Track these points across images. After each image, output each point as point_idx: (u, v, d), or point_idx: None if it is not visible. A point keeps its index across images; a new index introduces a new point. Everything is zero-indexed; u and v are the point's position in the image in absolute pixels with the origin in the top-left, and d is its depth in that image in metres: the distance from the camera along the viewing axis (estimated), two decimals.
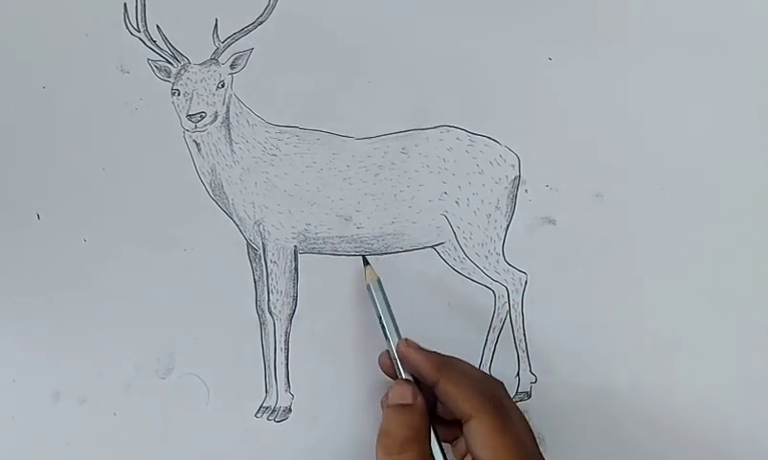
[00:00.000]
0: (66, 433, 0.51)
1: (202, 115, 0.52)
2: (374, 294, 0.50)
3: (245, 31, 0.53)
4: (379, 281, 0.50)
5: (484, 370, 0.54)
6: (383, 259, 0.54)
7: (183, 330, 0.52)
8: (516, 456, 0.44)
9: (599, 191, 0.55)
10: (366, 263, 0.52)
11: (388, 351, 0.49)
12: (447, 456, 0.46)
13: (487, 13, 0.55)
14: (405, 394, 0.46)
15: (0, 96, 0.52)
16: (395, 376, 0.49)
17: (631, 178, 0.56)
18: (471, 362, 0.54)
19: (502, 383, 0.48)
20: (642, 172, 0.56)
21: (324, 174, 0.54)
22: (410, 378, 0.48)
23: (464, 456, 0.47)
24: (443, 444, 0.47)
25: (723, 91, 0.56)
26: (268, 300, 0.53)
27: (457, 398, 0.45)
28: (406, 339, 0.48)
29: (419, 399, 0.46)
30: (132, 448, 0.52)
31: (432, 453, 0.46)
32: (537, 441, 0.47)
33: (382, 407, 0.47)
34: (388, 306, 0.50)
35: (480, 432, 0.44)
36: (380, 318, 0.49)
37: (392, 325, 0.49)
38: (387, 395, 0.47)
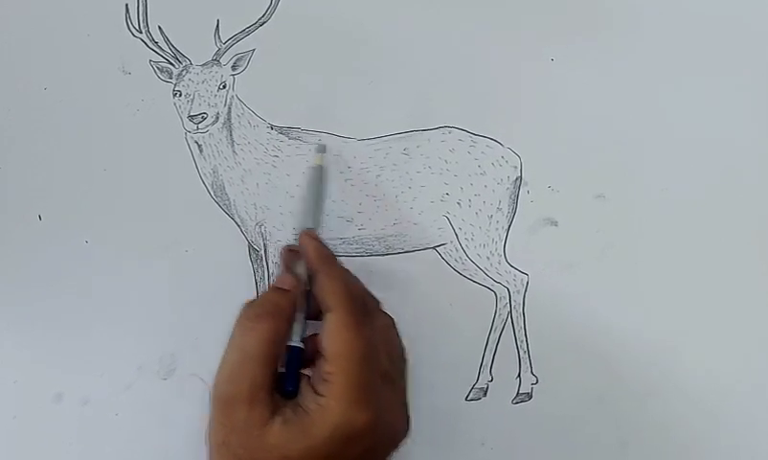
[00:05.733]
0: (68, 434, 0.51)
1: (204, 116, 0.52)
2: (315, 178, 0.51)
3: (247, 32, 0.53)
4: (322, 169, 0.51)
5: (484, 371, 0.54)
6: (385, 260, 0.54)
7: (185, 330, 0.52)
8: (353, 355, 0.43)
9: (601, 192, 0.55)
10: (322, 150, 0.52)
11: (290, 247, 0.51)
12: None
13: (489, 14, 0.55)
14: (285, 280, 0.47)
15: (1, 96, 0.52)
16: (285, 269, 0.50)
17: (633, 179, 0.56)
18: (472, 363, 0.54)
19: (378, 302, 0.49)
20: (644, 173, 0.56)
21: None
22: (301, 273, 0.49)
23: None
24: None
25: (725, 91, 0.56)
26: None
27: (327, 289, 0.46)
28: (310, 230, 0.50)
29: (297, 288, 0.47)
30: (134, 448, 0.52)
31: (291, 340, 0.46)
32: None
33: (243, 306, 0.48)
34: (321, 197, 0.51)
35: (333, 324, 0.44)
36: (307, 202, 0.50)
37: (312, 214, 0.50)
38: None
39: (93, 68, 0.52)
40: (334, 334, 0.44)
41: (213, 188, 0.53)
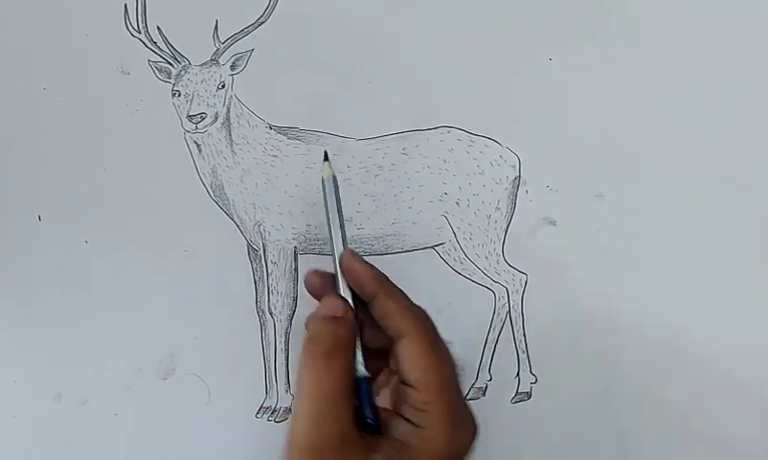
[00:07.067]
0: (68, 434, 0.51)
1: (203, 116, 0.52)
2: (327, 193, 0.46)
3: (245, 32, 0.53)
4: (335, 179, 0.46)
5: (483, 370, 0.55)
6: (384, 259, 0.54)
7: (184, 330, 0.52)
8: (443, 380, 0.42)
9: (600, 191, 0.55)
10: (326, 158, 0.47)
11: (316, 270, 0.46)
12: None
13: (488, 14, 0.55)
14: (336, 306, 0.44)
15: (0, 97, 0.52)
16: (319, 296, 0.46)
17: (632, 179, 0.56)
18: (471, 362, 0.54)
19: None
20: (642, 173, 0.56)
21: None
22: (341, 294, 0.45)
23: (382, 388, 0.46)
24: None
25: (724, 91, 0.56)
26: (268, 301, 0.53)
27: (395, 313, 0.43)
28: (350, 249, 0.46)
29: (350, 313, 0.44)
30: (133, 448, 0.52)
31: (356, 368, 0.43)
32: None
33: (307, 328, 0.44)
34: (339, 210, 0.46)
35: (413, 352, 0.42)
36: (328, 221, 0.46)
37: (339, 232, 0.46)
38: (314, 312, 0.45)
39: (92, 68, 0.52)
40: (421, 362, 0.42)
41: (212, 188, 0.53)
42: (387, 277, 0.45)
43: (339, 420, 0.40)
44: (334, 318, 0.43)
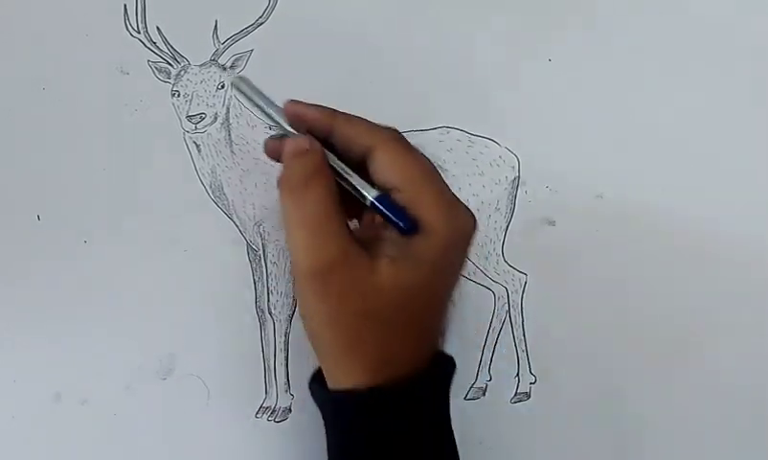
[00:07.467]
0: (67, 434, 0.51)
1: (202, 116, 0.52)
2: (245, 89, 0.44)
3: (245, 32, 0.53)
4: (244, 77, 0.44)
5: (483, 370, 0.55)
6: None
7: (183, 330, 0.52)
8: (425, 172, 0.41)
9: (599, 192, 0.56)
10: (223, 69, 0.48)
11: (272, 135, 0.44)
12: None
13: (488, 15, 0.55)
14: (300, 142, 0.42)
15: (0, 97, 0.52)
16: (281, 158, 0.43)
17: (631, 179, 0.56)
18: (471, 363, 0.54)
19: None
20: (642, 174, 0.56)
21: None
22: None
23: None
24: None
25: (724, 91, 0.56)
26: (268, 301, 0.53)
27: (360, 132, 0.42)
28: (291, 100, 0.43)
29: (317, 144, 0.42)
30: (133, 448, 0.52)
31: (337, 187, 0.42)
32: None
33: (278, 186, 0.42)
34: (262, 94, 0.44)
35: (385, 158, 0.41)
36: (261, 108, 0.44)
37: (273, 106, 0.44)
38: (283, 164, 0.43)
39: (91, 68, 0.52)
40: (399, 162, 0.41)
41: (211, 188, 0.53)
42: (335, 109, 0.43)
43: (335, 239, 0.40)
44: (302, 152, 0.42)
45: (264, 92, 0.44)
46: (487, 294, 0.55)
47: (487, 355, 0.55)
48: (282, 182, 0.42)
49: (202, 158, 0.53)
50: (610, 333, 0.55)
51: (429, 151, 0.53)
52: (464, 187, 0.54)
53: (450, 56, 0.55)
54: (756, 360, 0.56)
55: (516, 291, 0.55)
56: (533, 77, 0.55)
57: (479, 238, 0.55)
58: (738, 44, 0.56)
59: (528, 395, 0.55)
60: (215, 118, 0.53)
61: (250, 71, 0.53)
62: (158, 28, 0.52)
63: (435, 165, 0.43)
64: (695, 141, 0.56)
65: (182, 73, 0.52)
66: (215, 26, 0.53)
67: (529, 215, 0.55)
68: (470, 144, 0.55)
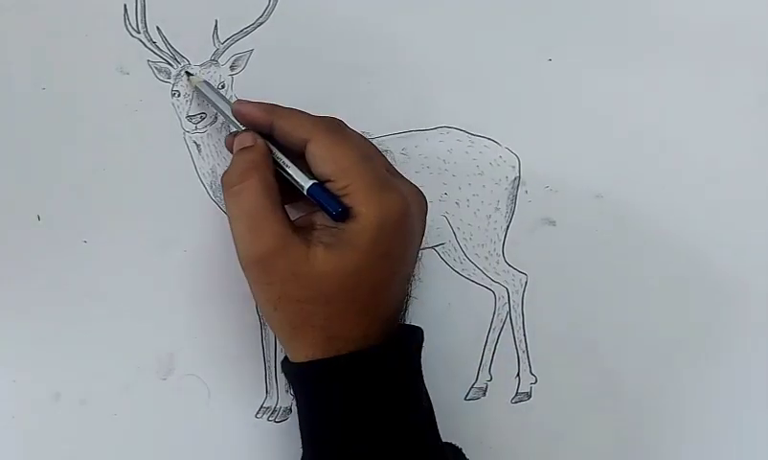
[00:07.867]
0: (66, 434, 0.51)
1: (202, 116, 0.52)
2: (207, 92, 0.50)
3: (245, 32, 0.53)
4: (206, 81, 0.51)
5: (483, 371, 0.55)
6: None
7: (183, 330, 0.52)
8: (355, 159, 0.44)
9: (599, 191, 0.56)
10: (189, 75, 0.52)
11: (231, 132, 0.49)
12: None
13: (487, 14, 0.55)
14: (244, 138, 0.46)
15: (0, 97, 0.52)
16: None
17: (631, 179, 0.56)
18: (471, 363, 0.55)
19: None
20: (642, 173, 0.56)
21: None
22: None
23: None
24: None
25: (723, 91, 0.56)
26: None
27: (293, 128, 0.45)
28: (238, 99, 0.48)
29: (260, 140, 0.46)
30: (132, 448, 0.52)
31: (276, 180, 0.45)
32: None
33: (220, 182, 0.47)
34: (222, 96, 0.50)
35: (318, 150, 0.44)
36: (220, 109, 0.49)
37: (228, 107, 0.48)
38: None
39: (91, 68, 0.52)
40: (330, 153, 0.44)
41: (211, 188, 0.53)
42: (280, 105, 0.47)
43: (271, 230, 0.43)
44: (244, 149, 0.46)
45: (263, 93, 0.45)
46: (488, 294, 0.55)
47: (488, 355, 0.55)
48: (222, 179, 0.45)
49: (202, 158, 0.53)
50: (610, 333, 0.55)
51: (429, 152, 0.54)
52: (464, 187, 0.54)
53: (450, 55, 0.55)
54: (756, 360, 0.56)
55: (516, 291, 0.55)
56: (534, 76, 0.55)
57: (479, 238, 0.55)
58: (738, 44, 0.56)
59: (528, 395, 0.55)
60: (216, 118, 0.53)
61: (250, 71, 0.53)
62: (158, 28, 0.52)
63: (376, 149, 0.47)
64: (695, 141, 0.56)
65: (182, 73, 0.52)
66: (215, 26, 0.53)
67: (529, 215, 0.55)
68: (470, 144, 0.55)
